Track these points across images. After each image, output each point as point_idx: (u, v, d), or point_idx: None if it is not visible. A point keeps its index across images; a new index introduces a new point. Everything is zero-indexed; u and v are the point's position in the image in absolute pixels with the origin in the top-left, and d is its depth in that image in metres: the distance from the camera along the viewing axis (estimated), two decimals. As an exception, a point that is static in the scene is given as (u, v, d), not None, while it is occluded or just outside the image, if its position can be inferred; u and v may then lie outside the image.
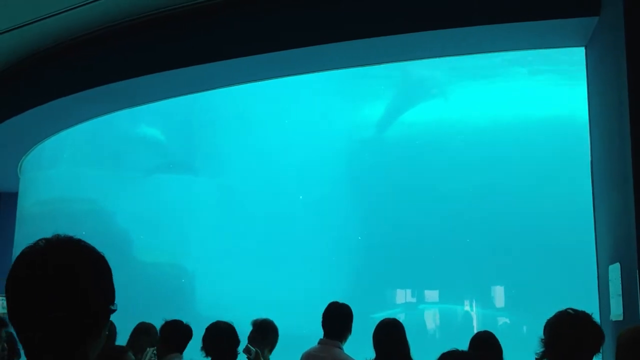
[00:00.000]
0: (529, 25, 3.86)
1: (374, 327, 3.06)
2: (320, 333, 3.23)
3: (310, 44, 4.33)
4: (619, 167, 3.23)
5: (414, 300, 7.01)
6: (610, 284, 3.31)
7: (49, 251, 0.96)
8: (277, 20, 4.49)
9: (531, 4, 3.82)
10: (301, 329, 3.94)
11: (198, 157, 7.95)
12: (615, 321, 3.18)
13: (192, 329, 3.36)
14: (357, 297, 3.80)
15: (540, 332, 2.15)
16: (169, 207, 7.30)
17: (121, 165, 7.68)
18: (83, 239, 1.02)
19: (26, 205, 7.60)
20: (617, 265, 3.21)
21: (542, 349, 2.11)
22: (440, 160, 6.86)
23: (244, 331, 3.36)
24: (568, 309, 2.14)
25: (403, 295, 7.08)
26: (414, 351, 2.99)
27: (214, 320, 3.15)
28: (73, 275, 0.95)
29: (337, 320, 3.17)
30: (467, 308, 6.81)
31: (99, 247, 1.05)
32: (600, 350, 2.09)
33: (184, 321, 3.43)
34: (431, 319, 6.81)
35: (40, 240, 0.98)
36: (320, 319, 3.21)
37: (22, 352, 0.99)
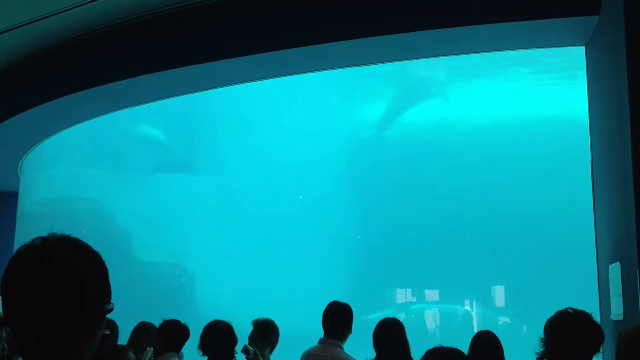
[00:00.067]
0: (529, 24, 3.86)
1: (374, 327, 3.06)
2: (320, 333, 3.23)
3: (310, 43, 4.33)
4: (619, 166, 3.23)
5: (414, 300, 7.01)
6: (610, 283, 3.30)
7: (45, 250, 0.96)
8: (277, 19, 4.49)
9: (531, 4, 3.82)
10: (301, 329, 3.94)
11: (198, 157, 7.95)
12: (616, 321, 3.18)
13: (192, 329, 3.36)
14: (357, 297, 3.81)
15: (540, 332, 2.15)
16: (169, 207, 7.30)
17: (121, 165, 7.69)
18: (83, 238, 1.02)
19: (26, 205, 7.60)
20: (618, 264, 3.20)
21: (542, 349, 2.11)
22: (440, 160, 6.86)
23: (244, 331, 3.36)
24: (568, 308, 2.14)
25: (403, 295, 7.08)
26: (414, 351, 2.99)
27: (210, 321, 3.15)
28: (70, 274, 0.95)
29: (338, 319, 3.17)
30: (467, 308, 6.81)
31: (99, 247, 1.05)
32: (601, 350, 2.09)
33: (184, 321, 3.44)
34: (431, 318, 6.81)
35: (37, 239, 0.98)
36: (320, 319, 3.21)
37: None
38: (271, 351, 3.46)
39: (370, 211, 7.08)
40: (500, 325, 6.44)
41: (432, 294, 6.99)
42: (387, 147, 7.35)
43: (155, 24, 4.88)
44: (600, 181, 3.71)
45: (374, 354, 3.02)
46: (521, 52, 5.13)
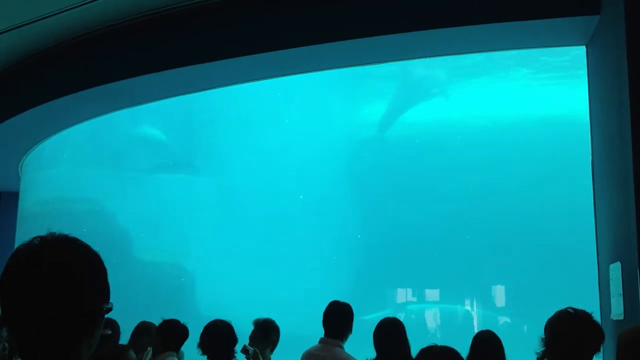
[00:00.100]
0: (530, 24, 3.85)
1: (373, 327, 3.06)
2: (320, 332, 3.23)
3: (309, 43, 4.33)
4: (620, 166, 3.23)
5: (414, 299, 7.01)
6: (610, 283, 3.30)
7: (44, 249, 0.95)
8: (277, 19, 4.49)
9: (532, 3, 3.82)
10: (301, 329, 3.94)
11: (198, 157, 7.95)
12: (616, 320, 3.18)
13: (192, 329, 3.37)
14: (357, 297, 3.80)
15: (540, 332, 2.15)
16: (169, 207, 7.30)
17: (121, 165, 7.69)
18: (83, 238, 1.02)
19: (27, 204, 7.60)
20: (618, 264, 3.20)
21: (542, 348, 2.11)
22: (440, 160, 6.86)
23: (244, 331, 3.36)
24: (568, 308, 2.14)
25: (402, 295, 7.08)
26: (414, 351, 2.98)
27: (212, 320, 3.15)
28: (68, 273, 0.95)
29: (338, 319, 3.17)
30: (467, 308, 6.81)
31: (100, 247, 1.04)
32: (601, 350, 2.09)
33: (184, 321, 3.44)
34: (429, 318, 6.81)
35: (35, 238, 0.97)
36: (320, 319, 3.21)
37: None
38: (272, 351, 3.46)
39: (370, 211, 7.08)
40: (501, 325, 6.44)
41: (432, 294, 6.99)
42: (387, 147, 7.35)
43: (155, 24, 4.88)
44: (600, 180, 3.71)
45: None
46: (521, 52, 5.13)
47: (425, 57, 4.85)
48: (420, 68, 7.04)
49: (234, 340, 3.05)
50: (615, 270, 3.23)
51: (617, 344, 2.15)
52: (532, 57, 6.44)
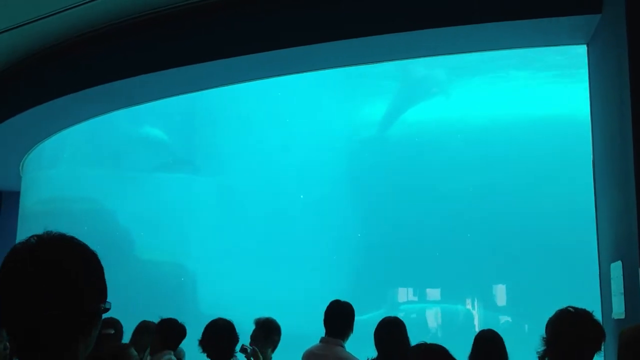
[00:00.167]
0: (530, 23, 3.85)
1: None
2: (320, 332, 3.23)
3: (309, 42, 4.33)
4: (621, 165, 3.23)
5: (413, 299, 7.01)
6: (612, 282, 3.30)
7: (40, 248, 0.95)
8: (277, 18, 4.49)
9: (532, 2, 3.81)
10: (301, 328, 3.94)
11: (199, 157, 7.95)
12: (617, 319, 3.18)
13: (192, 328, 3.38)
14: (357, 297, 3.80)
15: (541, 331, 2.15)
16: (170, 206, 7.30)
17: (122, 164, 7.69)
18: (84, 237, 1.01)
19: (28, 204, 7.61)
20: (619, 263, 3.20)
21: (543, 347, 2.11)
22: (440, 159, 6.86)
23: (244, 330, 3.36)
24: (569, 307, 2.14)
25: (403, 295, 7.08)
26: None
27: (213, 319, 3.15)
28: (66, 272, 0.94)
29: (339, 318, 3.17)
30: (468, 307, 6.81)
31: (100, 246, 1.04)
32: (602, 348, 2.09)
33: (185, 320, 3.45)
34: (428, 317, 6.81)
35: (32, 237, 0.97)
36: (321, 318, 3.21)
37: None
38: (273, 350, 3.46)
39: (370, 211, 7.08)
40: (501, 325, 6.44)
41: (432, 293, 6.99)
42: (387, 147, 7.35)
43: (155, 23, 4.88)
44: (601, 179, 3.70)
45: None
46: (521, 51, 5.12)
47: (426, 56, 4.84)
48: (420, 67, 7.03)
49: (235, 339, 3.05)
50: (616, 269, 3.23)
51: (618, 342, 2.15)
52: (532, 56, 6.43)
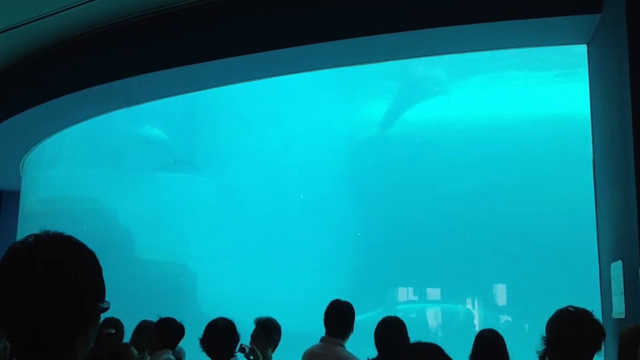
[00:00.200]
0: (531, 22, 3.85)
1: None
2: (320, 331, 3.23)
3: (310, 42, 4.33)
4: (621, 164, 3.23)
5: (413, 299, 7.01)
6: (612, 281, 3.30)
7: (38, 247, 0.94)
8: (277, 18, 4.49)
9: (533, 2, 3.81)
10: (301, 328, 3.94)
11: (199, 157, 7.95)
12: (618, 319, 3.18)
13: (192, 328, 3.38)
14: (357, 297, 3.81)
15: (542, 331, 2.15)
16: (170, 206, 7.30)
17: (122, 164, 7.69)
18: (84, 237, 1.01)
19: (28, 204, 7.61)
20: (619, 263, 3.20)
21: (543, 347, 2.11)
22: (441, 159, 6.85)
23: (244, 330, 3.36)
24: (568, 306, 2.14)
25: (403, 294, 7.08)
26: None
27: (213, 319, 3.15)
28: (67, 272, 0.94)
29: (339, 318, 3.17)
30: (468, 307, 6.81)
31: (100, 246, 1.04)
32: (602, 348, 2.09)
33: (185, 320, 3.46)
34: (432, 317, 6.81)
35: (30, 236, 0.96)
36: (320, 318, 3.21)
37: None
38: (273, 350, 3.46)
39: (370, 210, 7.08)
40: (502, 324, 6.44)
41: (432, 293, 6.99)
42: (387, 147, 7.35)
43: (156, 22, 4.88)
44: (601, 179, 3.70)
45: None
46: (521, 50, 5.12)
47: (427, 55, 4.84)
48: (420, 67, 7.03)
49: (236, 339, 3.05)
50: (617, 269, 3.23)
51: (618, 342, 2.15)
52: (532, 55, 6.43)
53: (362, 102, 7.81)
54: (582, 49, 4.06)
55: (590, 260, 3.79)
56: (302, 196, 7.27)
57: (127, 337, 3.77)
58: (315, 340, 3.23)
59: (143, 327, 3.77)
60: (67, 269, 0.94)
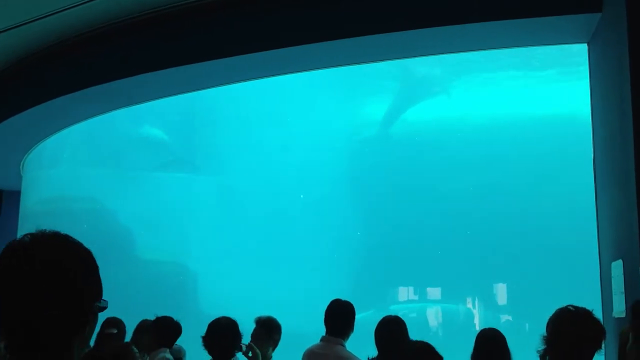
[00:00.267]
0: (531, 22, 3.84)
1: (376, 325, 3.07)
2: (320, 331, 3.23)
3: (309, 41, 4.33)
4: (622, 164, 3.23)
5: (415, 298, 7.01)
6: (612, 281, 3.30)
7: (34, 246, 0.94)
8: (276, 18, 4.49)
9: (533, 1, 3.81)
10: (301, 327, 3.94)
11: (199, 156, 7.95)
12: (618, 318, 3.18)
13: (193, 327, 3.38)
14: (357, 296, 3.81)
15: (542, 330, 2.14)
16: (170, 206, 7.30)
17: (122, 164, 7.69)
18: (84, 237, 1.01)
19: (28, 203, 7.61)
20: (620, 262, 3.20)
21: (544, 346, 2.11)
22: (441, 158, 6.85)
23: (244, 329, 3.36)
24: (568, 305, 2.14)
25: (404, 294, 7.08)
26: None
27: (214, 318, 3.15)
28: (65, 271, 0.93)
29: (340, 317, 3.17)
30: (468, 306, 6.81)
31: (101, 246, 1.04)
32: (602, 347, 2.09)
33: (185, 319, 3.46)
34: (432, 317, 6.81)
35: (26, 235, 0.96)
36: (320, 317, 3.21)
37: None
38: (273, 349, 3.46)
39: (370, 211, 7.08)
40: (502, 324, 6.44)
41: (432, 293, 6.99)
42: (387, 146, 7.35)
43: (154, 22, 4.88)
44: (602, 178, 3.70)
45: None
46: (522, 50, 5.12)
47: (426, 55, 4.84)
48: (420, 67, 7.03)
49: (238, 338, 3.05)
50: (617, 268, 3.23)
51: (619, 341, 2.14)
52: (532, 55, 6.43)
53: (361, 101, 7.81)
54: (583, 48, 4.06)
55: (590, 259, 3.79)
56: (301, 196, 7.26)
57: (127, 337, 3.77)
58: (316, 340, 3.23)
59: (143, 327, 3.77)
60: (65, 268, 0.94)
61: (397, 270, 6.86)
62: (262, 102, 7.19)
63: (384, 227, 6.92)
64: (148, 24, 4.90)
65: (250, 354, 3.18)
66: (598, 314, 2.17)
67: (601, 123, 3.72)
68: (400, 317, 3.16)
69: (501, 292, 6.79)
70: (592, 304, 2.23)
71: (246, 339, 3.31)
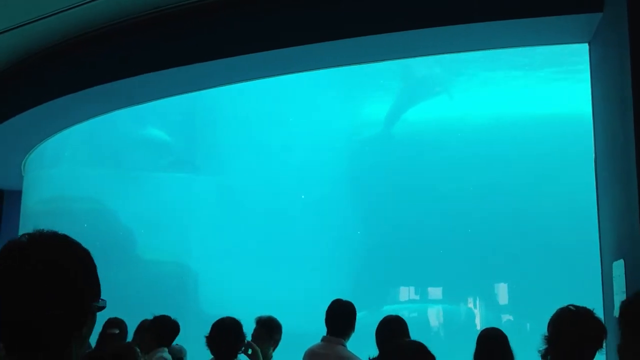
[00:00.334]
0: (532, 21, 3.84)
1: (377, 324, 3.07)
2: (321, 331, 3.23)
3: (309, 41, 4.33)
4: (623, 163, 3.22)
5: (416, 297, 7.01)
6: (614, 280, 3.30)
7: (32, 246, 0.94)
8: (277, 18, 4.49)
9: (533, 1, 3.81)
10: (302, 327, 3.94)
11: (199, 156, 7.96)
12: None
13: (193, 327, 3.38)
14: (357, 296, 3.81)
15: (543, 330, 2.15)
16: (171, 206, 7.31)
17: (123, 164, 7.70)
18: (85, 237, 1.01)
19: (30, 203, 7.62)
20: (621, 262, 3.20)
21: (545, 346, 2.11)
22: (441, 158, 6.85)
23: (245, 329, 3.36)
24: (569, 305, 2.14)
25: (405, 294, 7.08)
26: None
27: (216, 318, 3.16)
28: (65, 271, 0.93)
29: (341, 317, 3.18)
30: (469, 306, 6.81)
31: (101, 246, 1.04)
32: (603, 346, 2.09)
33: (186, 319, 3.46)
34: (432, 317, 6.81)
35: (24, 235, 0.96)
36: (321, 317, 3.22)
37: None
38: (274, 349, 3.46)
39: (370, 211, 7.08)
40: (503, 324, 6.44)
41: (433, 292, 6.99)
42: (388, 146, 7.35)
43: (155, 22, 4.89)
44: (603, 178, 3.70)
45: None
46: (522, 49, 5.11)
47: (427, 55, 4.84)
48: (421, 66, 7.03)
49: (241, 338, 3.05)
50: (619, 267, 3.22)
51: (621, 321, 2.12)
52: (532, 54, 6.43)
53: (362, 101, 7.81)
54: (584, 47, 4.05)
55: (591, 259, 3.79)
56: (302, 196, 7.27)
57: (129, 337, 3.77)
58: (316, 340, 3.23)
59: (144, 327, 3.77)
60: (66, 268, 0.94)
61: (398, 270, 6.86)
62: (263, 102, 7.19)
63: (384, 227, 6.93)
64: (149, 24, 4.90)
65: (249, 352, 3.18)
66: (599, 313, 2.17)
67: (602, 123, 3.72)
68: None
69: (502, 292, 6.79)
70: (593, 303, 2.23)
71: (247, 339, 3.31)
